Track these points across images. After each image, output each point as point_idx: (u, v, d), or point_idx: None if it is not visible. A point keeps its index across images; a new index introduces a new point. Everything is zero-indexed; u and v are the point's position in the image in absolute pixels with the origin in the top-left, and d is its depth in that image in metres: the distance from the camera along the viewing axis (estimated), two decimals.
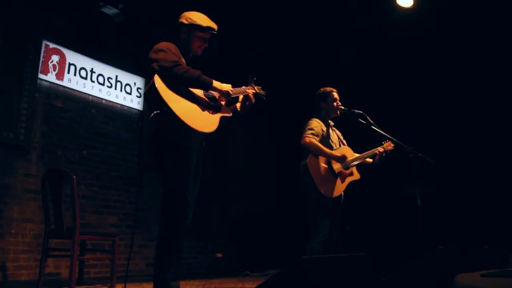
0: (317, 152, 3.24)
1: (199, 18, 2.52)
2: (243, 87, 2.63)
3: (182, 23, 2.52)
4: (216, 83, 2.38)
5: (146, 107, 5.29)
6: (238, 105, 2.58)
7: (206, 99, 2.42)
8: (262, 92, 2.77)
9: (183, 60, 2.46)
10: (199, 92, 2.41)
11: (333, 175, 3.28)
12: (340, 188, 3.29)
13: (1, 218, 4.00)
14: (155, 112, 2.23)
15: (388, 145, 3.50)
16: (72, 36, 4.81)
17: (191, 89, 2.37)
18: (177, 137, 2.27)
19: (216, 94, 2.45)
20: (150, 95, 2.26)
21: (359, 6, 4.94)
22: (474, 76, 5.02)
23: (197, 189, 2.50)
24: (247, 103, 2.58)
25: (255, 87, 2.71)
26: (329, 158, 3.27)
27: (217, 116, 2.39)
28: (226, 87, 2.45)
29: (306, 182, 3.21)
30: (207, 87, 2.36)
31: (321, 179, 3.20)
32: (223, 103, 2.48)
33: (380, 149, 3.47)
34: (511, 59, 4.78)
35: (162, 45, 2.38)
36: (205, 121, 2.30)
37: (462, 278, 1.45)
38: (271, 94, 2.90)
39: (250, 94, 2.57)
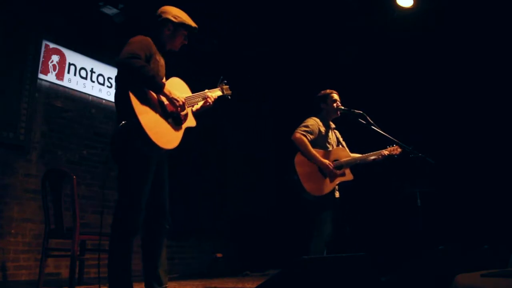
0: (303, 150, 3.24)
1: (186, 17, 2.57)
2: (206, 90, 2.71)
3: (168, 19, 2.52)
4: (166, 89, 2.33)
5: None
6: (196, 107, 2.66)
7: (173, 108, 2.41)
8: (229, 92, 2.91)
9: (157, 53, 2.46)
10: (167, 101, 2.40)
11: (322, 174, 3.26)
12: (328, 187, 3.25)
13: (1, 218, 4.00)
14: (123, 122, 2.25)
15: (395, 149, 3.45)
16: (72, 36, 4.81)
17: (160, 97, 2.36)
18: (140, 146, 2.31)
19: (164, 100, 2.38)
20: (122, 100, 2.27)
21: (359, 6, 4.95)
22: (474, 76, 5.02)
23: (166, 192, 2.56)
24: (207, 105, 2.66)
25: (223, 87, 2.86)
26: (312, 161, 3.24)
27: (181, 132, 2.46)
28: (176, 95, 2.38)
29: (294, 180, 3.22)
30: (157, 89, 2.32)
31: (307, 177, 3.20)
32: (189, 110, 2.54)
33: (385, 152, 3.44)
34: (511, 59, 4.78)
35: (135, 38, 2.37)
36: (169, 137, 2.36)
37: (462, 278, 1.45)
38: (271, 94, 2.90)
39: (208, 99, 2.66)
